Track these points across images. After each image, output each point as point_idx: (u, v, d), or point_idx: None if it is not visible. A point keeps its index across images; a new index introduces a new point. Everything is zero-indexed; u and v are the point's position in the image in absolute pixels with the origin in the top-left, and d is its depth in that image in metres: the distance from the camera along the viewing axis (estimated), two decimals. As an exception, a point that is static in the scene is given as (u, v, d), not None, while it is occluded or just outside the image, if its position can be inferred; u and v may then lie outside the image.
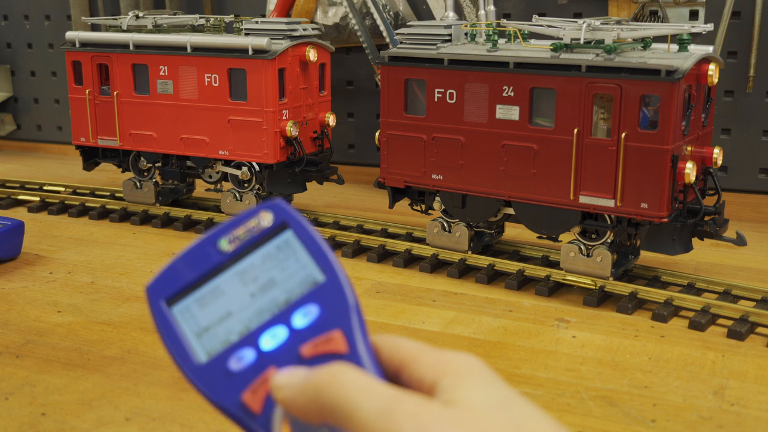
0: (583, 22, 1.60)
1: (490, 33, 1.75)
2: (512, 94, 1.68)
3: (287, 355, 0.48)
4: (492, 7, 2.24)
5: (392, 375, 0.48)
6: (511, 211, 1.78)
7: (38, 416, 1.22)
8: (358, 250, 1.97)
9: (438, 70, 1.76)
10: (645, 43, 1.63)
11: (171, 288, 0.50)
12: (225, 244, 0.51)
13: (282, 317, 0.49)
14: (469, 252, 1.85)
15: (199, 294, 0.50)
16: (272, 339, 0.48)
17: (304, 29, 2.06)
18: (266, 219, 0.51)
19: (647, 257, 1.81)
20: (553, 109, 1.64)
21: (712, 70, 1.56)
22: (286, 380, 0.46)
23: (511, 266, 1.78)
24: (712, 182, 1.66)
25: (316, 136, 2.14)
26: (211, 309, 0.50)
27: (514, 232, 2.02)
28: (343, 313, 0.49)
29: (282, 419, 0.47)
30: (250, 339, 0.49)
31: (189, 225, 2.21)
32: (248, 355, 0.48)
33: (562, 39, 1.63)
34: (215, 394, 0.48)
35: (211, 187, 2.23)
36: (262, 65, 1.98)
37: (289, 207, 0.52)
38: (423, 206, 1.92)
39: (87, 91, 2.26)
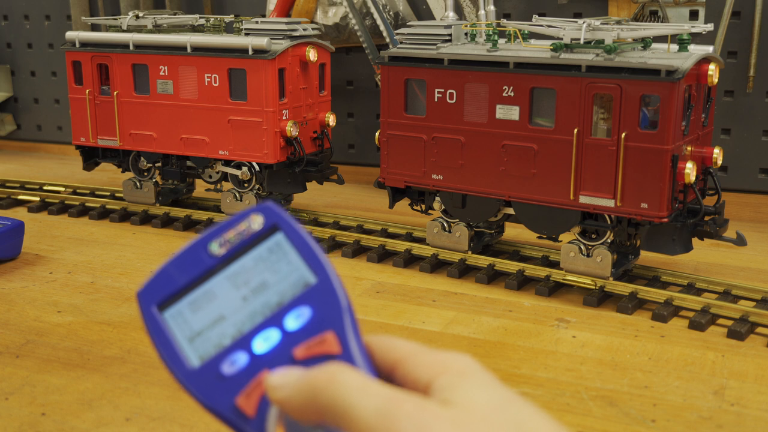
0: (583, 22, 1.60)
1: (490, 33, 1.75)
2: (512, 94, 1.68)
3: (280, 358, 0.48)
4: (492, 7, 2.24)
5: (386, 375, 0.48)
6: (511, 211, 1.78)
7: (38, 416, 1.22)
8: (358, 250, 1.97)
9: (438, 70, 1.76)
10: (645, 43, 1.63)
11: (162, 293, 0.50)
12: (216, 248, 0.51)
13: (274, 320, 0.49)
14: (469, 252, 1.85)
15: (190, 298, 0.50)
16: (265, 342, 0.48)
17: (304, 29, 2.06)
18: (257, 222, 0.51)
19: (647, 257, 1.81)
20: (553, 109, 1.64)
21: (712, 70, 1.56)
22: (282, 380, 0.46)
23: (511, 266, 1.78)
24: (712, 182, 1.66)
25: (316, 136, 2.14)
26: (203, 313, 0.50)
27: (514, 232, 2.02)
28: (336, 314, 0.48)
29: (276, 422, 0.47)
30: (243, 342, 0.48)
31: (189, 225, 2.21)
32: (241, 359, 0.48)
33: (562, 39, 1.63)
34: (208, 398, 0.48)
35: (211, 187, 2.23)
36: (262, 65, 1.98)
37: (280, 209, 0.51)
38: (423, 206, 1.92)
39: (87, 91, 2.26)
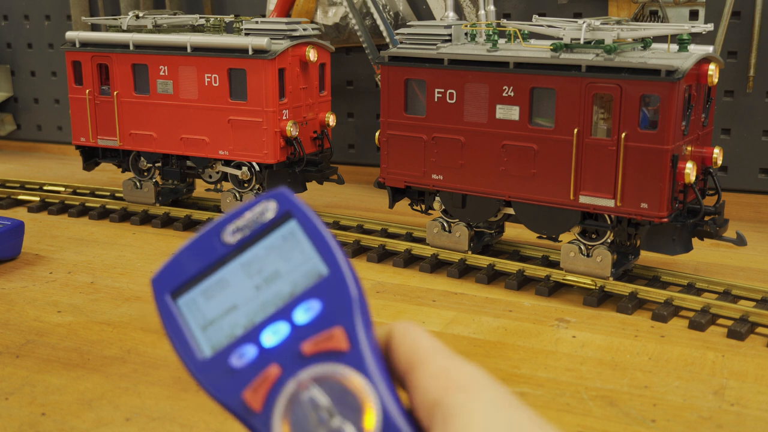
0: (583, 22, 1.60)
1: (490, 33, 1.75)
2: (512, 94, 1.68)
3: (288, 353, 0.47)
4: (492, 7, 2.24)
5: (401, 376, 0.47)
6: (511, 211, 1.78)
7: (38, 416, 1.22)
8: (358, 250, 1.97)
9: (438, 70, 1.76)
10: (645, 43, 1.63)
11: (176, 280, 0.49)
12: (228, 236, 0.50)
13: (284, 312, 0.48)
14: (469, 252, 1.85)
15: (204, 286, 0.49)
16: (274, 335, 0.47)
17: (304, 29, 2.06)
18: (270, 209, 0.50)
19: (647, 257, 1.80)
20: (553, 109, 1.64)
21: (712, 70, 1.56)
22: None
23: (511, 266, 1.78)
24: (712, 182, 1.66)
25: (316, 136, 2.14)
26: (216, 301, 0.49)
27: (514, 232, 2.02)
28: (346, 308, 0.47)
29: (282, 418, 0.46)
30: (253, 334, 0.48)
31: (189, 225, 2.21)
32: (250, 352, 0.47)
33: (562, 39, 1.63)
34: (217, 390, 0.47)
35: (211, 187, 2.23)
36: (262, 65, 1.98)
37: (294, 196, 0.50)
38: (423, 206, 1.92)
39: (87, 91, 2.26)
